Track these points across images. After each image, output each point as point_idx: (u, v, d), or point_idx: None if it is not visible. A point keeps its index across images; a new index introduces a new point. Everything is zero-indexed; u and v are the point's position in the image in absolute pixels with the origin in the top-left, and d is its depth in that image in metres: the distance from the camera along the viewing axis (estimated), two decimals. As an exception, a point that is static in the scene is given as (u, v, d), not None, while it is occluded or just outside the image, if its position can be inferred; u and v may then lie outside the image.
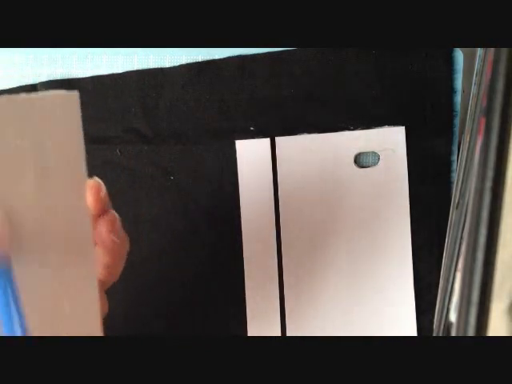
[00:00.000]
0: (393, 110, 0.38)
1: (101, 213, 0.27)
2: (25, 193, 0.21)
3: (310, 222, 0.39)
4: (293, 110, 0.38)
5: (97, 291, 0.24)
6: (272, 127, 0.39)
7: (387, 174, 0.38)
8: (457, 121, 0.37)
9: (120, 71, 0.40)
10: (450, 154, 0.38)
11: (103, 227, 0.27)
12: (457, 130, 0.37)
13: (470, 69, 0.36)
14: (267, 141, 0.38)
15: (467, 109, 0.36)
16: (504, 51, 0.22)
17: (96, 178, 0.26)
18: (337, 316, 0.39)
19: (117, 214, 0.27)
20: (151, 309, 0.40)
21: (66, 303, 0.23)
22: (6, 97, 0.21)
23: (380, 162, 0.38)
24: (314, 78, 0.38)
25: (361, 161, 0.38)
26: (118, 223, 0.27)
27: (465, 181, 0.30)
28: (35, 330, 0.21)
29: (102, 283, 0.29)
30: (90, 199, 0.25)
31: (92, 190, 0.26)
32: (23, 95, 0.21)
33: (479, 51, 0.33)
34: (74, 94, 0.22)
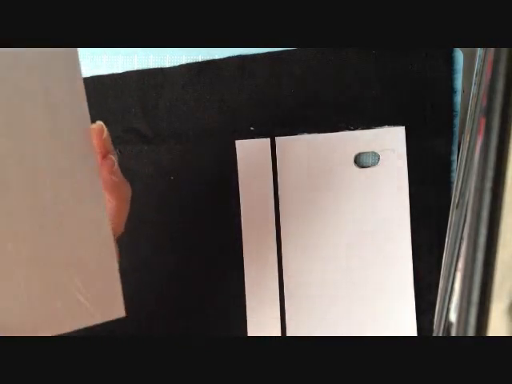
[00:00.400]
0: (393, 110, 0.38)
1: (104, 154, 0.28)
2: (36, 132, 0.24)
3: (309, 222, 0.39)
4: (293, 110, 0.38)
5: (111, 236, 0.26)
6: (272, 127, 0.39)
7: (387, 173, 0.38)
8: (457, 121, 0.37)
9: (120, 71, 0.40)
10: (450, 153, 0.38)
11: (104, 169, 0.28)
12: (457, 130, 0.37)
13: (470, 69, 0.36)
14: (267, 141, 0.38)
15: (467, 109, 0.36)
16: (504, 51, 0.22)
17: (99, 122, 0.28)
18: (336, 316, 0.39)
19: (115, 158, 0.29)
20: (151, 309, 0.40)
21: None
22: (13, 50, 0.23)
23: (380, 162, 0.38)
24: (314, 77, 0.38)
25: (361, 161, 0.38)
26: (117, 166, 0.29)
27: (465, 181, 0.30)
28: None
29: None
30: (94, 141, 0.27)
31: (95, 132, 0.28)
32: (30, 49, 0.24)
33: (479, 51, 0.33)
34: (74, 49, 0.25)
